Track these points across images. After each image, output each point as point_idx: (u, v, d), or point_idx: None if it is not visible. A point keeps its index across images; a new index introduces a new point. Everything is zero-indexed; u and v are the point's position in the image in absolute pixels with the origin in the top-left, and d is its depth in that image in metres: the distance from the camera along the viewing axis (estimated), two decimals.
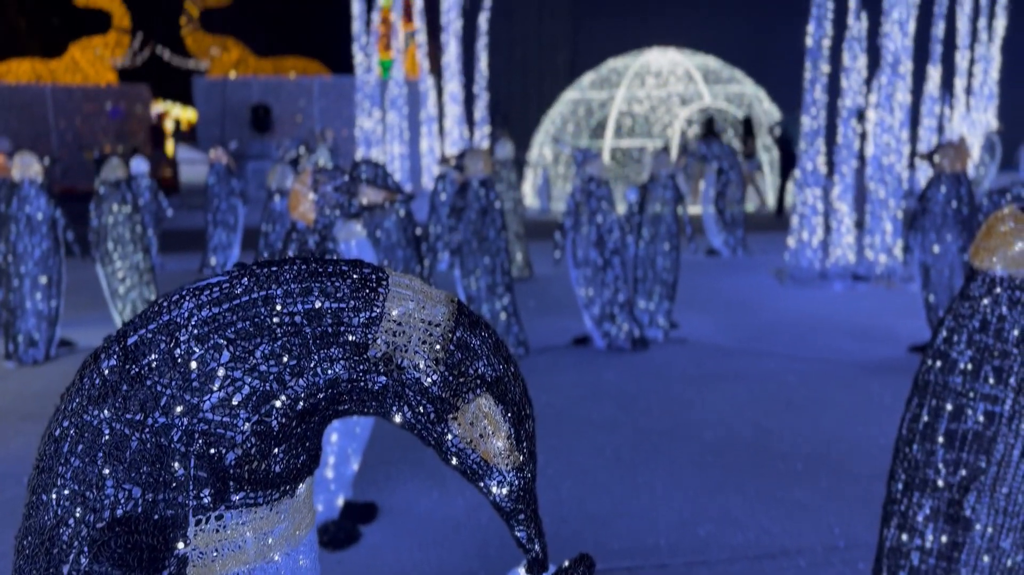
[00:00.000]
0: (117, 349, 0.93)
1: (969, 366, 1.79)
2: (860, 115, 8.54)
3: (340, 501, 3.22)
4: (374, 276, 0.98)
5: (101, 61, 20.99)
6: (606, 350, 5.74)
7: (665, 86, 15.73)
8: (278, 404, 0.92)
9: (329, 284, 0.96)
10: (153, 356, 0.91)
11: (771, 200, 14.82)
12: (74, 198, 13.98)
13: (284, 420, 0.93)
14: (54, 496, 0.88)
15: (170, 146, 22.36)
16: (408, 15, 21.33)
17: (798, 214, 8.14)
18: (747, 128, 14.08)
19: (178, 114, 28.77)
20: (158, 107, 25.65)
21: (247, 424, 0.92)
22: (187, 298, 0.95)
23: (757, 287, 7.99)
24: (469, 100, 16.66)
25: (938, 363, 1.86)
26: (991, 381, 1.77)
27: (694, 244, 7.30)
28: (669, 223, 6.15)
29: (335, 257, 3.05)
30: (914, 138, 12.65)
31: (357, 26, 14.89)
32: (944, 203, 5.12)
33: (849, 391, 4.81)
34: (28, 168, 5.52)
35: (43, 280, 5.64)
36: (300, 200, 3.01)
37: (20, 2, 30.19)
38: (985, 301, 1.80)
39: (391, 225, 5.81)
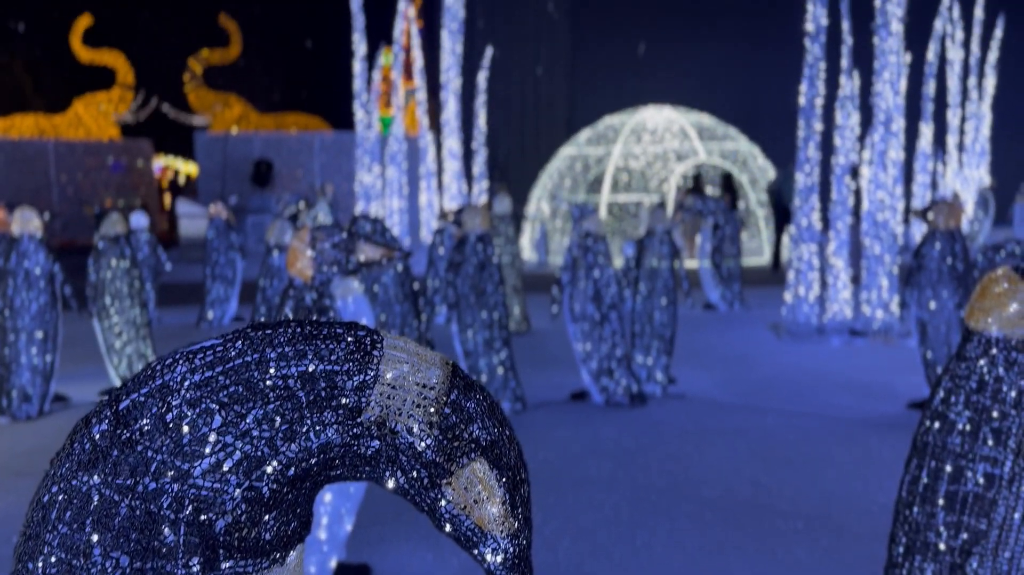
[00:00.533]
0: (109, 414, 0.93)
1: (968, 427, 1.78)
2: (854, 172, 8.64)
3: (333, 563, 3.16)
4: (368, 339, 0.98)
5: (104, 116, 21.27)
6: (604, 405, 5.71)
7: (661, 142, 15.95)
8: (269, 470, 0.91)
9: (324, 347, 0.96)
10: (144, 421, 0.90)
11: (767, 254, 14.90)
12: (73, 252, 14.03)
13: (275, 486, 0.92)
14: (40, 564, 0.87)
15: (167, 199, 22.52)
16: (408, 73, 21.71)
17: (794, 269, 8.18)
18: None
19: (180, 167, 29.05)
20: (160, 161, 25.91)
21: (238, 490, 0.91)
22: (180, 362, 0.95)
23: (755, 342, 7.98)
24: (468, 155, 16.86)
25: (936, 424, 1.85)
26: (990, 443, 1.76)
27: (691, 299, 7.31)
28: (666, 278, 6.17)
29: (332, 314, 3.05)
30: (908, 194, 12.78)
31: (358, 84, 15.12)
32: (939, 260, 5.16)
33: (849, 448, 4.77)
34: (28, 223, 5.56)
35: (39, 335, 5.62)
36: (298, 257, 3.02)
37: (26, 59, 30.73)
38: (982, 362, 1.80)
39: (388, 280, 5.83)
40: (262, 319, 5.95)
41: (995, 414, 1.76)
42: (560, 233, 16.07)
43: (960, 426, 1.80)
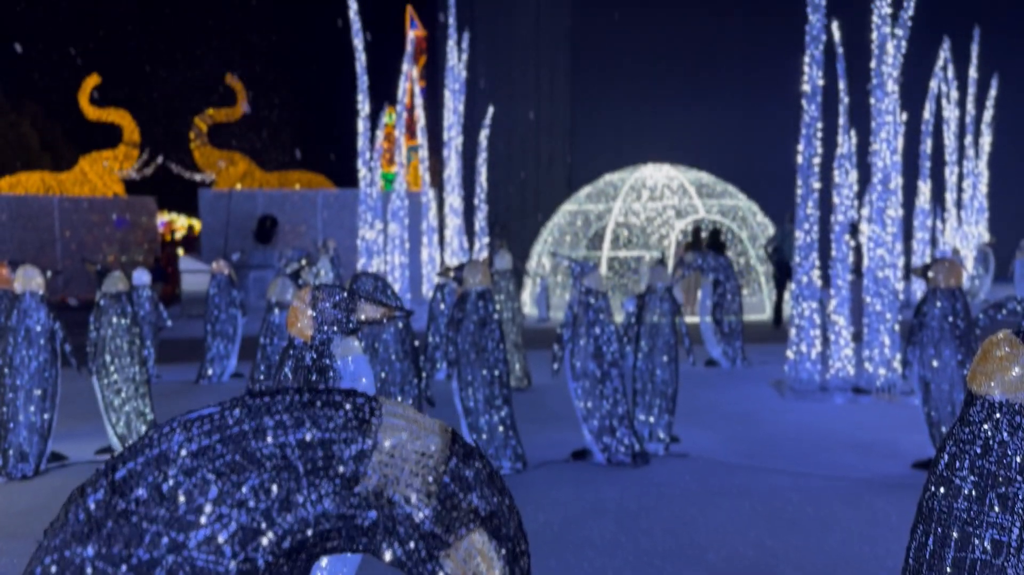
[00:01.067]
0: (105, 483, 0.92)
1: (973, 492, 1.76)
2: (853, 229, 8.69)
3: None
4: (367, 407, 0.97)
5: (109, 173, 21.53)
6: (606, 464, 5.64)
7: (660, 199, 16.08)
8: (265, 542, 0.90)
9: (322, 415, 0.96)
10: (141, 490, 0.90)
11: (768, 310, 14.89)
12: (75, 308, 14.04)
13: (271, 558, 0.91)
14: None
15: (175, 254, 22.63)
16: (411, 131, 22.02)
17: (796, 326, 8.17)
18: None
19: (182, 223, 29.27)
20: (163, 218, 26.11)
21: (232, 562, 0.90)
22: (178, 430, 0.94)
23: (758, 399, 7.92)
24: (469, 212, 17.00)
25: (941, 489, 1.82)
26: (997, 509, 1.73)
27: (692, 356, 7.29)
28: (667, 335, 6.16)
29: (332, 374, 3.04)
30: (907, 251, 12.83)
31: (362, 142, 15.33)
32: (941, 318, 5.15)
33: (855, 509, 4.70)
34: (30, 281, 5.58)
35: (38, 393, 5.59)
36: (299, 317, 3.03)
37: (33, 117, 31.21)
38: (985, 426, 1.78)
39: (389, 337, 5.82)
40: (261, 377, 5.93)
41: (1001, 479, 1.74)
42: (561, 288, 16.10)
43: (966, 491, 1.78)
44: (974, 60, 17.84)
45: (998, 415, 1.77)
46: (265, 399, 0.96)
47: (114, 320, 5.88)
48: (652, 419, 6.04)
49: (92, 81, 22.33)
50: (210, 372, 8.99)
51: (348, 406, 0.96)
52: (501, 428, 5.58)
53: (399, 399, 5.76)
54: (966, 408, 1.84)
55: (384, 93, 18.29)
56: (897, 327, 7.94)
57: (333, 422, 0.94)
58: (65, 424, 6.52)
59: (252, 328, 9.06)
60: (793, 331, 8.21)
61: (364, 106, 14.99)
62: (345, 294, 3.11)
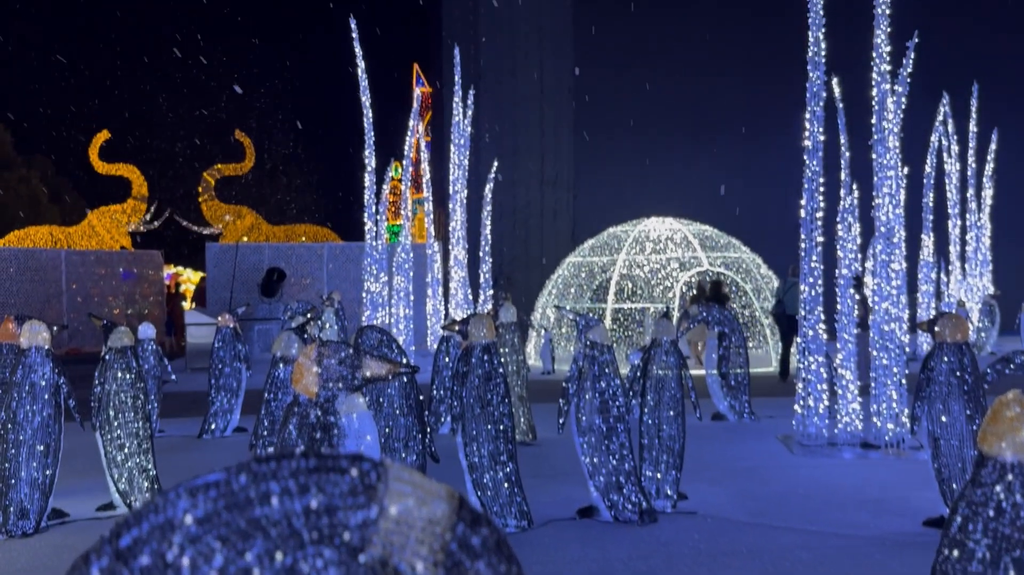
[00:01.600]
0: (109, 550, 0.91)
1: (987, 555, 1.73)
2: (857, 282, 8.69)
3: None
4: (373, 472, 0.97)
5: (117, 227, 21.73)
6: (613, 522, 5.56)
7: (664, 251, 16.14)
8: None
9: (327, 481, 0.95)
10: (145, 558, 0.89)
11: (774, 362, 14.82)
12: (80, 361, 14.04)
13: None
14: None
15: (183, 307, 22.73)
16: (417, 184, 22.25)
17: (802, 380, 8.12)
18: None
19: (190, 275, 29.44)
20: (169, 271, 26.27)
21: None
22: (183, 496, 0.94)
23: (766, 454, 7.84)
24: (474, 264, 17.07)
25: (955, 552, 1.79)
26: (1012, 573, 1.70)
27: (699, 410, 7.23)
28: (673, 389, 6.12)
29: (336, 431, 3.02)
30: (912, 304, 12.82)
31: (368, 196, 15.47)
32: (948, 373, 5.12)
33: (865, 570, 4.61)
34: (36, 335, 5.59)
35: (40, 448, 5.56)
36: (304, 374, 3.02)
37: (43, 171, 31.62)
38: (998, 488, 1.76)
39: (393, 392, 5.80)
40: (265, 433, 5.89)
41: (1016, 542, 1.71)
42: (566, 340, 16.06)
43: (980, 555, 1.75)
44: (974, 115, 18.05)
45: (1010, 476, 1.75)
46: (271, 464, 0.95)
47: (119, 375, 5.87)
48: (659, 475, 5.98)
49: (102, 136, 22.68)
50: (213, 426, 8.95)
51: (354, 471, 0.95)
52: (506, 485, 5.52)
53: (403, 455, 5.71)
54: (977, 469, 1.82)
55: (391, 148, 18.55)
56: (904, 381, 7.89)
57: (339, 488, 0.93)
58: (66, 479, 6.46)
59: (256, 381, 9.04)
60: (800, 385, 8.16)
61: (371, 161, 15.17)
62: (350, 351, 3.12)
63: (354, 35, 14.36)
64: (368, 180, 15.37)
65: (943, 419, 5.16)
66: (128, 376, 5.92)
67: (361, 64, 14.50)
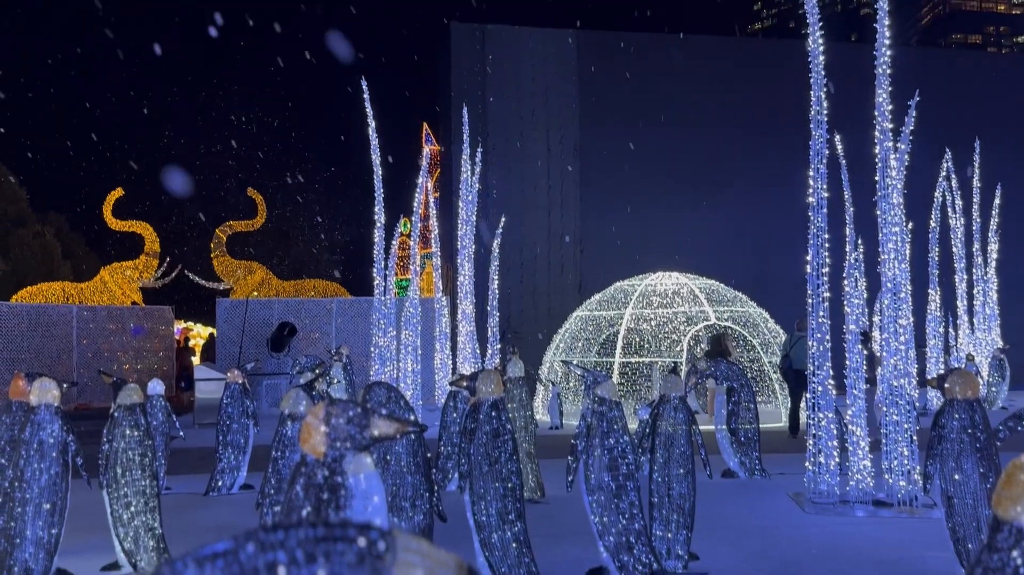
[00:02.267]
0: None
1: None
2: (865, 337, 8.66)
3: None
4: (381, 542, 0.98)
5: (128, 283, 21.90)
6: None
7: (671, 306, 16.15)
8: None
9: (335, 551, 0.96)
10: None
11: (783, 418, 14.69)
12: (89, 416, 14.03)
13: None
14: None
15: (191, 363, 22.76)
16: (425, 239, 22.42)
17: (813, 437, 8.05)
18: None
19: (199, 331, 29.53)
20: (179, 326, 26.38)
21: None
22: (191, 566, 0.95)
23: (777, 513, 7.73)
24: (481, 318, 17.10)
25: None
26: None
27: (709, 468, 7.15)
28: (683, 446, 6.08)
29: (343, 492, 3.01)
30: (921, 358, 12.74)
31: (377, 251, 15.60)
32: (960, 431, 5.08)
33: None
34: (46, 393, 5.61)
35: (47, 507, 5.54)
36: (312, 433, 3.03)
37: (57, 228, 32.00)
38: (1015, 554, 1.74)
39: (401, 449, 5.77)
40: (272, 491, 5.86)
41: None
42: (574, 395, 15.99)
43: None
44: (976, 171, 18.18)
45: None
46: (279, 533, 0.97)
47: (127, 432, 5.87)
48: (670, 534, 5.90)
49: (116, 194, 23.03)
50: (220, 483, 8.89)
51: (362, 541, 0.97)
52: (515, 544, 5.46)
53: (410, 514, 5.66)
54: (993, 534, 1.80)
55: (400, 204, 18.74)
56: (915, 438, 7.81)
57: (347, 558, 0.95)
58: (72, 538, 6.41)
59: (264, 437, 9.01)
60: (810, 442, 8.09)
61: (380, 217, 15.34)
62: (359, 409, 3.12)
63: (365, 95, 14.65)
64: (377, 236, 15.52)
65: (956, 478, 5.10)
66: (136, 434, 5.92)
67: (372, 124, 14.76)
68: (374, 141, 14.85)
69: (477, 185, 17.07)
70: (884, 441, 7.83)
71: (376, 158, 14.89)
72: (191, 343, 23.15)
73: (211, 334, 26.81)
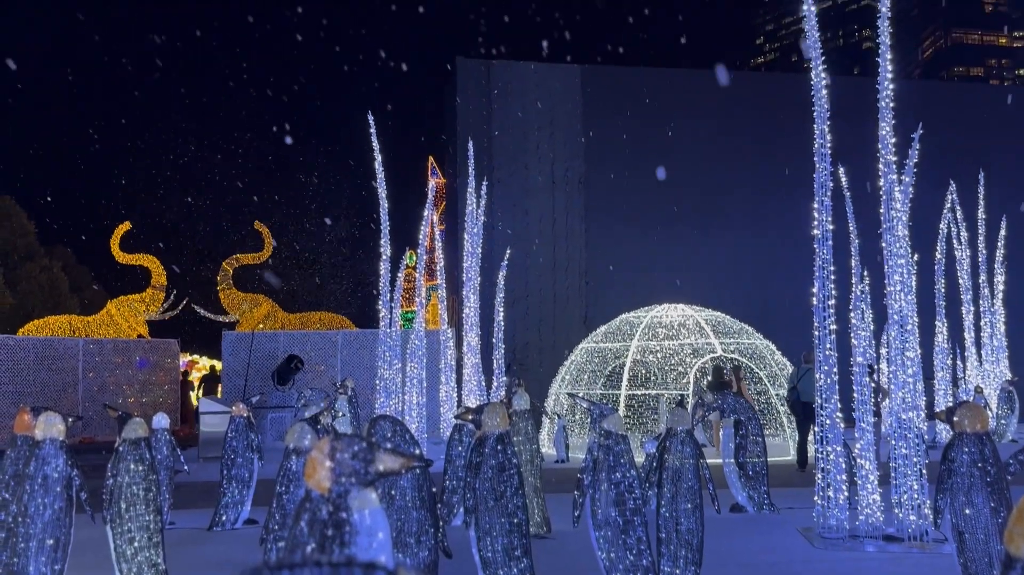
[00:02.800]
0: None
1: None
2: (871, 370, 8.62)
3: None
4: None
5: (135, 316, 21.97)
6: None
7: (677, 338, 16.11)
8: None
9: None
10: None
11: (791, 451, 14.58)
12: (94, 450, 13.99)
13: None
14: None
15: (193, 399, 22.74)
16: (430, 271, 22.48)
17: (821, 470, 7.98)
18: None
19: (204, 365, 29.54)
20: (185, 358, 26.40)
21: None
22: None
23: (787, 548, 7.64)
24: (487, 350, 17.07)
25: None
26: None
27: (717, 503, 7.07)
28: (691, 480, 6.03)
29: (348, 528, 2.99)
30: (930, 390, 12.66)
31: (383, 283, 15.63)
32: (970, 465, 5.04)
33: None
34: (51, 428, 5.61)
35: (50, 542, 5.51)
36: (317, 468, 3.02)
37: (65, 261, 32.17)
38: None
39: (406, 483, 5.74)
40: (276, 527, 5.82)
41: None
42: (580, 427, 15.90)
43: None
44: (981, 202, 18.20)
45: None
46: (283, 570, 0.97)
47: (131, 467, 5.86)
48: (678, 571, 5.84)
49: (123, 228, 23.18)
50: (224, 518, 8.84)
51: None
52: None
53: (415, 550, 5.61)
54: (1005, 571, 1.78)
55: (406, 237, 18.82)
56: (925, 471, 7.74)
57: None
58: (75, 574, 6.36)
59: (269, 471, 8.96)
60: (819, 476, 8.02)
61: (386, 249, 15.39)
62: (364, 444, 3.11)
63: (371, 130, 14.78)
64: (383, 268, 15.56)
65: (967, 512, 5.04)
66: (141, 468, 5.90)
67: (378, 157, 14.88)
68: (380, 174, 14.95)
69: (482, 217, 17.15)
70: (893, 475, 7.76)
71: (382, 191, 14.98)
72: (190, 377, 23.15)
73: (211, 367, 26.83)
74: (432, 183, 22.45)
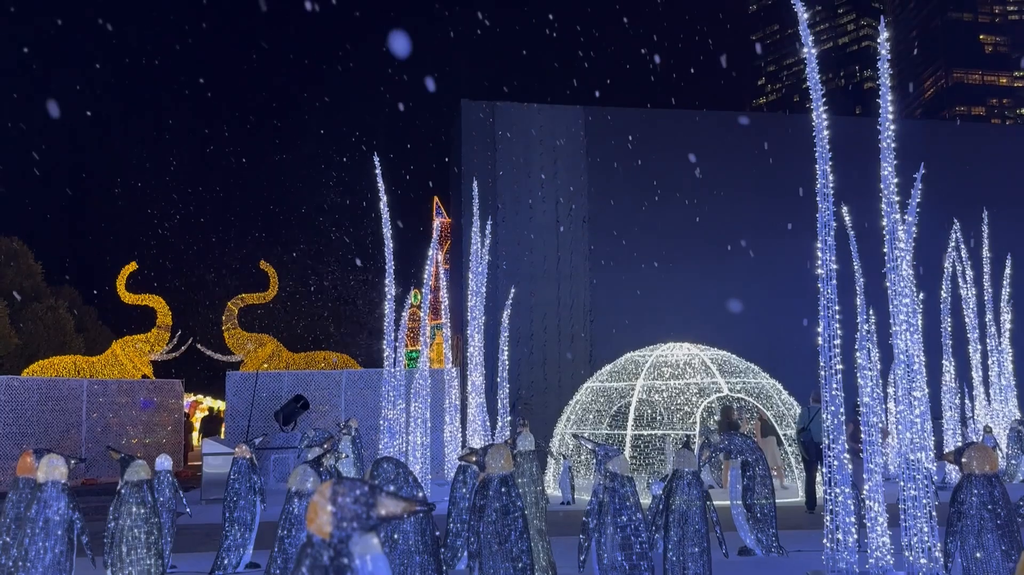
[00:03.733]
0: None
1: None
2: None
3: None
4: None
5: (140, 356, 21.98)
6: None
7: (682, 377, 16.03)
8: None
9: None
10: None
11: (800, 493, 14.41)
12: (96, 492, 13.90)
13: None
14: None
15: (195, 439, 22.65)
16: (435, 310, 22.49)
17: (830, 512, 7.88)
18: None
19: (207, 405, 29.47)
20: (189, 399, 26.34)
21: None
22: None
23: None
24: (491, 389, 17.01)
25: None
26: None
27: (725, 546, 6.98)
28: (698, 522, 5.97)
29: (350, 574, 2.96)
30: (938, 430, 12.54)
31: (387, 323, 15.63)
32: (979, 507, 4.98)
33: None
34: (53, 470, 5.58)
35: None
36: (318, 513, 2.99)
37: (71, 301, 32.27)
38: None
39: (409, 527, 5.68)
40: (277, 573, 5.76)
41: None
42: (585, 468, 15.76)
43: None
44: (985, 241, 18.21)
45: None
46: None
47: (133, 510, 5.82)
48: None
49: (129, 268, 23.31)
50: (226, 562, 8.73)
51: None
52: None
53: None
54: None
55: (411, 276, 18.86)
56: (935, 513, 7.63)
57: None
58: None
59: (271, 514, 8.89)
60: (828, 518, 7.91)
61: (391, 289, 15.42)
62: (366, 488, 3.09)
63: (377, 171, 14.91)
64: (388, 307, 15.57)
65: (978, 555, 4.97)
66: (142, 511, 5.86)
67: (383, 198, 14.98)
68: (385, 215, 15.04)
69: (487, 257, 17.20)
70: (903, 517, 7.66)
71: (387, 231, 15.06)
72: (192, 418, 23.11)
73: (210, 408, 26.74)
74: (437, 222, 22.58)
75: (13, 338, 27.27)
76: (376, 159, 14.92)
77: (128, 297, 22.89)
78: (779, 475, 14.69)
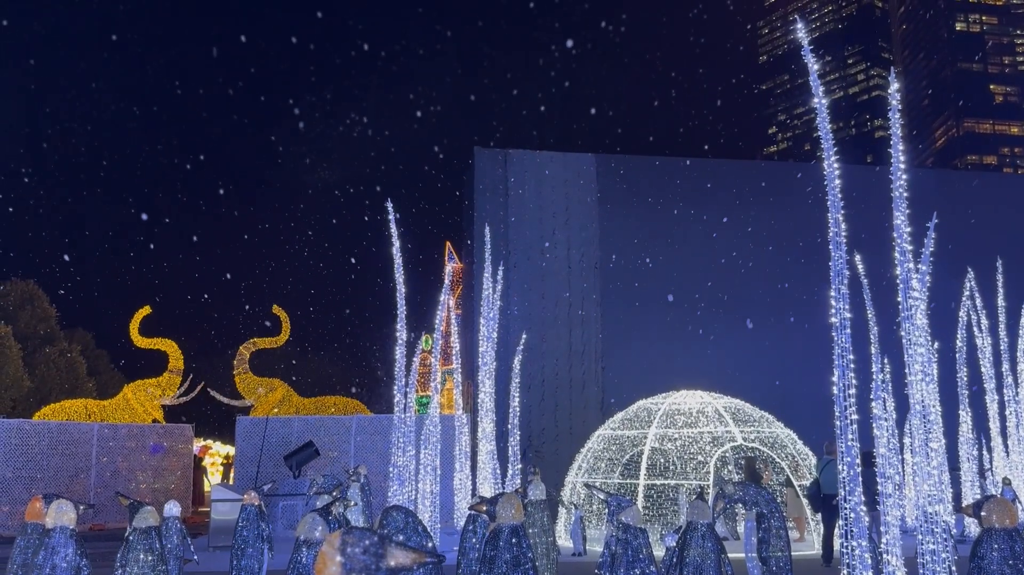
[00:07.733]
0: None
1: None
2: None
3: None
4: None
5: (151, 400, 21.98)
6: None
7: (695, 425, 15.86)
8: None
9: None
10: None
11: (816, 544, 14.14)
12: (104, 538, 13.80)
13: None
14: None
15: (206, 484, 22.52)
16: (446, 355, 22.46)
17: (846, 565, 7.72)
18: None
19: (217, 450, 29.37)
20: (198, 444, 26.27)
21: None
22: None
23: None
24: (502, 436, 16.87)
25: None
26: None
27: None
28: None
29: None
30: (956, 481, 12.32)
31: (398, 368, 15.59)
32: (1000, 562, 4.87)
33: None
34: (62, 516, 5.55)
35: None
36: (327, 563, 2.96)
37: (84, 345, 32.43)
38: None
39: None
40: None
41: None
42: (597, 518, 15.53)
43: None
44: (1000, 290, 18.07)
45: None
46: None
47: (141, 557, 5.77)
48: None
49: (143, 312, 23.43)
50: None
51: None
52: None
53: None
54: None
55: (421, 321, 18.87)
56: (955, 567, 7.47)
57: None
58: None
59: (279, 562, 8.78)
60: (844, 571, 7.75)
61: (402, 334, 15.42)
62: (375, 538, 3.05)
63: (390, 217, 15.03)
64: (399, 353, 15.55)
65: None
66: (150, 558, 5.81)
67: (396, 243, 15.07)
68: (398, 260, 15.11)
69: (498, 302, 17.21)
70: (921, 571, 7.49)
71: (399, 277, 15.12)
72: (204, 463, 23.04)
73: (227, 455, 26.62)
74: (449, 267, 22.66)
75: (26, 381, 27.35)
76: (390, 205, 15.05)
77: (141, 341, 22.98)
78: (800, 528, 14.43)
